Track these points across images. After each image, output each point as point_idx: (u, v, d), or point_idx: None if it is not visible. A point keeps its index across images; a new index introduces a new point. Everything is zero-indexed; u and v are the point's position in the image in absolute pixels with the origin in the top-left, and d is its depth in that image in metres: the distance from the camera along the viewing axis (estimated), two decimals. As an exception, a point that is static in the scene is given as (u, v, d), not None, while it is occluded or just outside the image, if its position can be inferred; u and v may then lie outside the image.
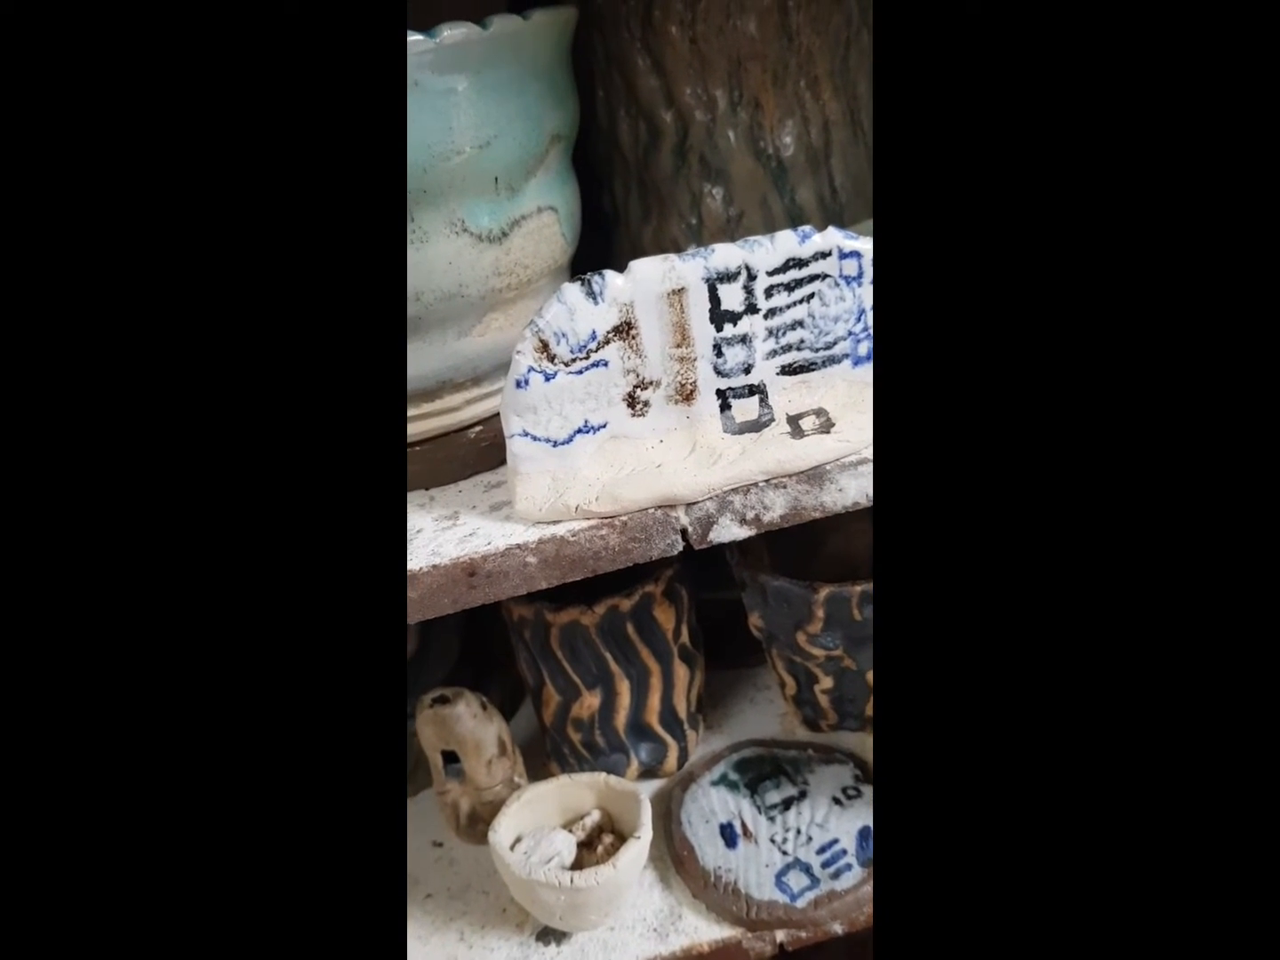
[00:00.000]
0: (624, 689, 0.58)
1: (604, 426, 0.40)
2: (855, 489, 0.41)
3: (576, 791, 0.56)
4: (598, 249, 0.56)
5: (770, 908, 0.51)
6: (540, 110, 0.43)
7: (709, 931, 0.52)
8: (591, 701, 0.58)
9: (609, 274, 0.38)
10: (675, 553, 0.41)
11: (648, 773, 0.62)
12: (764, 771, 0.60)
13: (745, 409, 0.41)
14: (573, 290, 0.38)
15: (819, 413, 0.41)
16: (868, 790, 0.57)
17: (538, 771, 0.63)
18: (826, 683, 0.59)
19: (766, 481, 0.40)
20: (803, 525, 0.65)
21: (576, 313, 0.38)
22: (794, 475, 0.40)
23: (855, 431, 0.40)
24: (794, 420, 0.41)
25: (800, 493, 0.40)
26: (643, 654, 0.57)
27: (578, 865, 0.53)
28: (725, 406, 0.41)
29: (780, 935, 0.51)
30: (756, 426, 0.41)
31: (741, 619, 0.64)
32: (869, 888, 0.52)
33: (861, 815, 0.56)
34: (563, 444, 0.40)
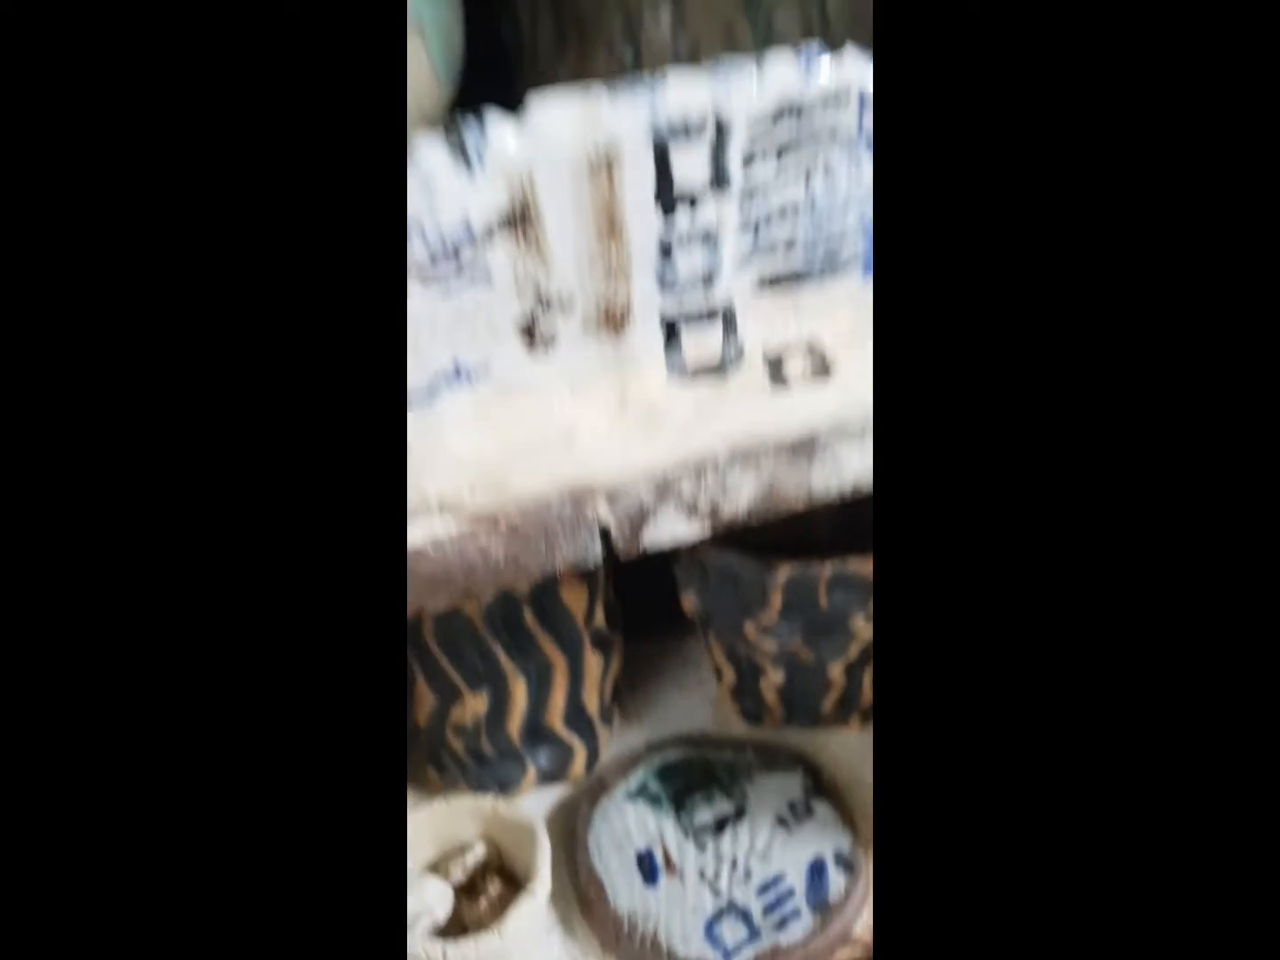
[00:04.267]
0: (519, 689, 0.45)
1: (485, 371, 0.26)
2: (858, 465, 0.27)
3: (455, 819, 0.44)
4: (492, 95, 0.40)
5: (701, 975, 0.40)
6: None
7: (623, 1003, 0.41)
8: (476, 705, 0.44)
9: (491, 124, 0.23)
10: (592, 564, 0.27)
11: (549, 779, 0.50)
12: (693, 780, 0.48)
13: (703, 341, 0.27)
14: (432, 151, 0.22)
15: (811, 348, 0.27)
16: (820, 808, 0.46)
17: (413, 773, 0.50)
18: (776, 677, 0.47)
19: (730, 455, 0.27)
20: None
21: (439, 188, 0.23)
22: (771, 446, 0.27)
23: (862, 380, 0.27)
24: (774, 360, 0.27)
25: (779, 470, 0.27)
26: (544, 646, 0.44)
27: (456, 919, 0.41)
28: (673, 337, 0.27)
29: (713, 1008, 0.41)
30: (719, 369, 0.27)
31: (667, 574, 0.51)
32: (822, 940, 0.41)
33: (811, 841, 0.45)
34: (419, 398, 0.25)
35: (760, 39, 0.37)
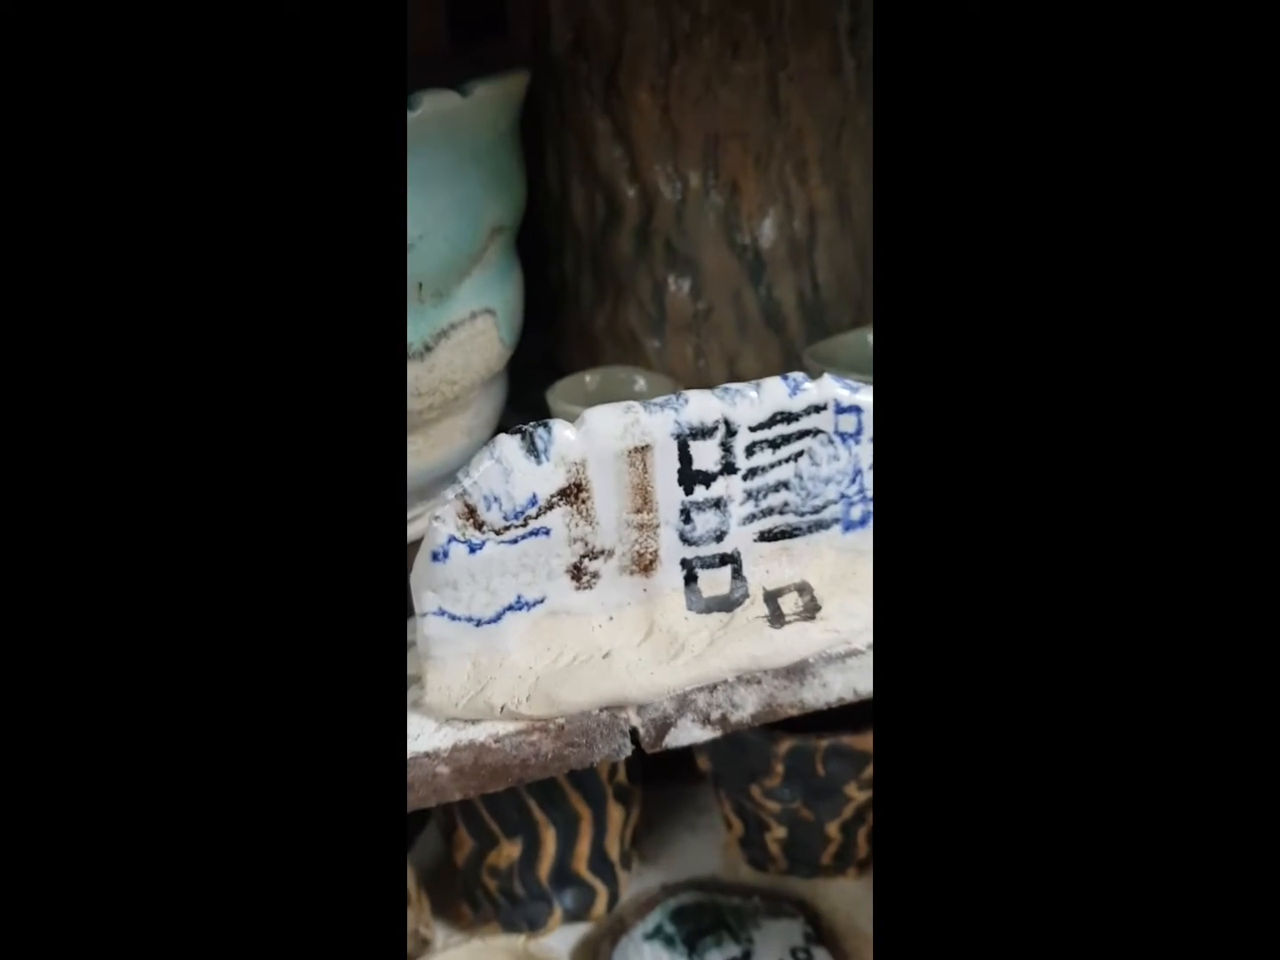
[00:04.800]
0: (549, 837, 0.50)
1: (541, 601, 0.33)
2: (841, 684, 0.34)
3: (490, 957, 0.49)
4: (540, 324, 0.48)
5: None
6: (480, 200, 0.35)
7: None
8: (511, 851, 0.50)
9: (557, 427, 0.30)
10: (622, 758, 0.33)
11: (573, 918, 0.55)
12: (704, 924, 0.53)
13: (715, 581, 0.34)
14: (510, 446, 0.30)
15: (802, 589, 0.34)
16: (819, 954, 0.51)
17: (447, 909, 0.56)
18: (779, 832, 0.52)
19: (737, 677, 0.33)
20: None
21: (514, 473, 0.30)
22: (770, 670, 0.33)
23: (844, 617, 0.34)
24: (772, 598, 0.34)
25: (776, 688, 0.33)
26: (572, 799, 0.50)
27: (488, 1052, 0.46)
28: (691, 579, 0.34)
29: None
30: (727, 605, 0.34)
31: None
32: (820, 1083, 0.45)
33: (812, 986, 0.50)
34: (488, 623, 0.32)
35: (762, 303, 0.45)
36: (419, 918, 0.52)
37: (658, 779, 0.61)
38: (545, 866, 0.51)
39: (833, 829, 0.51)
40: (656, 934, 0.53)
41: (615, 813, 0.52)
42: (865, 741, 0.47)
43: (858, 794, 0.49)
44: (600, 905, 0.54)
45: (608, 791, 0.51)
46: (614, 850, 0.53)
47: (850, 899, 0.55)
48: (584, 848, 0.52)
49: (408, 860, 0.52)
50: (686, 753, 0.55)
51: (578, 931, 0.55)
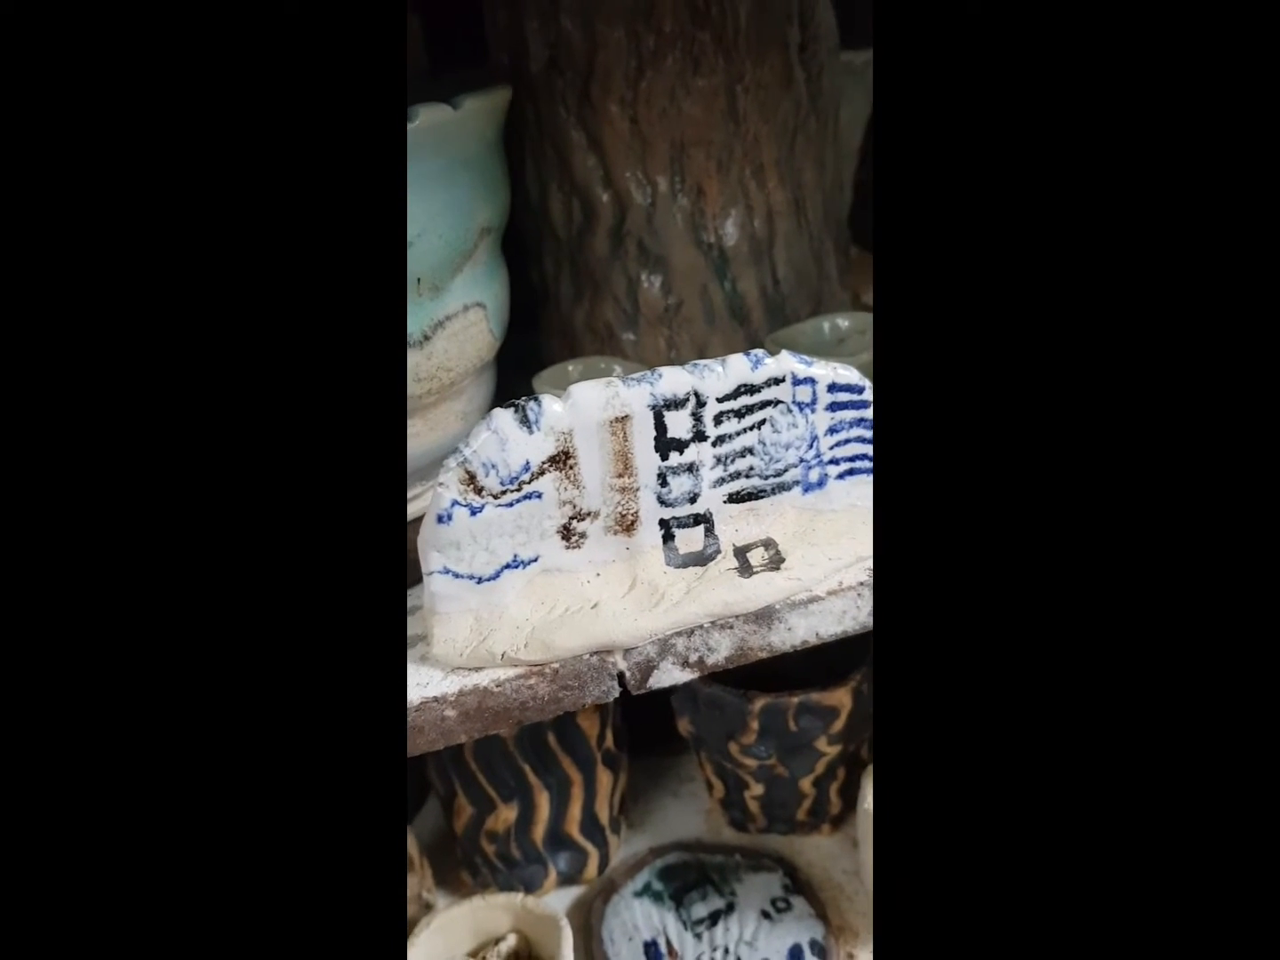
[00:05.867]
0: (543, 800, 0.54)
1: (535, 560, 0.36)
2: (805, 628, 0.38)
3: (490, 913, 0.52)
4: (524, 323, 0.52)
5: (699, 1046, 0.48)
6: (470, 202, 0.39)
7: (633, 1072, 0.48)
8: (507, 814, 0.54)
9: (546, 400, 0.34)
10: (611, 699, 0.37)
11: (567, 880, 0.58)
12: (689, 880, 0.57)
13: (690, 539, 0.38)
14: (505, 418, 0.34)
15: (768, 544, 0.38)
16: (797, 902, 0.55)
17: (447, 878, 0.59)
18: (757, 789, 0.56)
19: (712, 622, 0.37)
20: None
21: (509, 442, 0.34)
22: (741, 615, 0.37)
23: (806, 567, 0.38)
24: (741, 553, 0.38)
25: (747, 633, 0.37)
26: (564, 763, 0.53)
27: (491, 999, 0.49)
28: (668, 537, 0.38)
29: (708, 1074, 0.48)
30: (701, 559, 0.38)
31: (665, 704, 0.60)
32: (801, 1017, 0.49)
33: (791, 931, 0.53)
34: (488, 580, 0.36)
35: (727, 297, 0.49)
36: (422, 883, 0.55)
37: (643, 750, 0.65)
38: (540, 830, 0.54)
39: (806, 784, 0.55)
40: (645, 891, 0.56)
41: (604, 777, 0.55)
42: (832, 698, 0.51)
43: (828, 749, 0.53)
44: (592, 868, 0.57)
45: (597, 757, 0.54)
46: (604, 814, 0.57)
47: (825, 853, 0.59)
48: (575, 811, 0.55)
49: (411, 831, 0.55)
50: (669, 723, 0.58)
51: (571, 893, 0.58)
